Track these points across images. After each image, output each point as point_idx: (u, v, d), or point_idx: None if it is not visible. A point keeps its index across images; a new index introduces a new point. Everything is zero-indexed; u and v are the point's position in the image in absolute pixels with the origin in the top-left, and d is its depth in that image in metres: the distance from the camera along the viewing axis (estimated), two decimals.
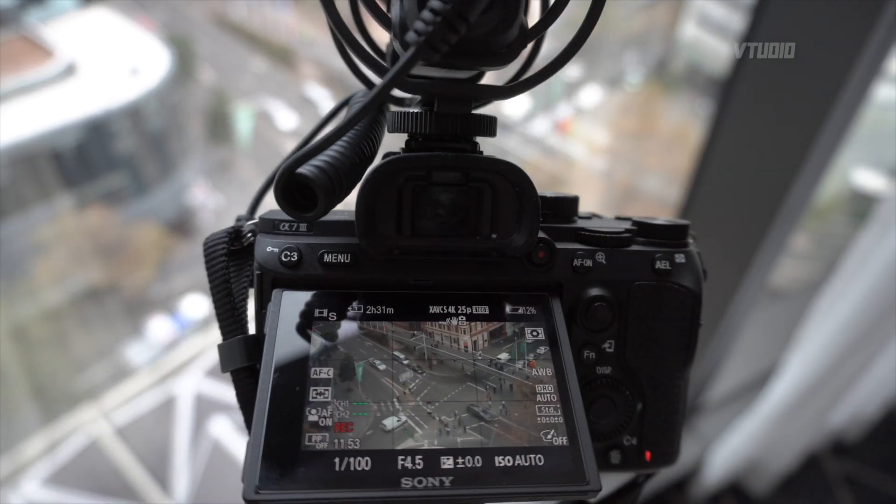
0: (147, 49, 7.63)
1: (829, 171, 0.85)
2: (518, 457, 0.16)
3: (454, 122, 0.20)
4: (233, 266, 0.22)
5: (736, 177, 0.89)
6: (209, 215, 7.13)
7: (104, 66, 6.90)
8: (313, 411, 0.17)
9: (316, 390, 0.17)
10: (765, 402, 1.12)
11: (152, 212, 6.91)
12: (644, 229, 0.22)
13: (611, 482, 0.25)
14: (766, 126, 0.82)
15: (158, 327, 5.93)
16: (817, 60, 0.72)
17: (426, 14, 0.16)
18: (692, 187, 0.96)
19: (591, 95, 9.15)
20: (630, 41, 10.13)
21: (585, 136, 8.89)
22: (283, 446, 0.16)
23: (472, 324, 0.19)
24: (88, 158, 6.28)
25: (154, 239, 6.77)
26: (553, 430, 0.17)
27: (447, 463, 0.16)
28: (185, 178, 7.21)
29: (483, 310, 0.20)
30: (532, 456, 0.16)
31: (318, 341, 0.18)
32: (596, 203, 7.14)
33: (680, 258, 0.21)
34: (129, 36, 8.26)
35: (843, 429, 1.41)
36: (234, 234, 0.22)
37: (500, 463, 0.16)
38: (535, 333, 0.19)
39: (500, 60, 0.19)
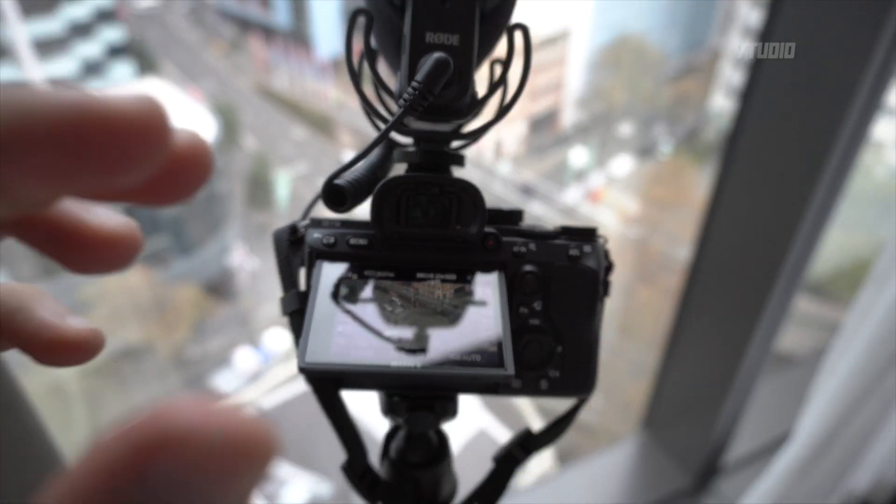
0: (196, 117, 8.04)
1: (824, 233, 0.89)
2: (465, 353, 0.26)
3: (433, 156, 0.31)
4: (291, 250, 0.33)
5: (738, 238, 0.94)
6: (246, 277, 7.29)
7: None
8: (339, 328, 0.27)
9: (341, 318, 0.27)
10: (778, 460, 1.11)
11: (192, 273, 7.10)
12: (567, 231, 0.32)
13: (560, 408, 0.35)
14: (765, 187, 0.88)
15: (244, 358, 6.37)
16: (810, 119, 0.79)
17: (409, 89, 0.26)
18: (698, 249, 1.00)
19: (622, 165, 9.26)
20: (661, 112, 10.30)
21: (617, 204, 8.93)
22: (320, 344, 0.26)
23: (444, 284, 0.29)
24: (135, 220, 6.53)
25: (191, 300, 6.93)
26: (488, 342, 0.27)
27: (420, 354, 0.26)
28: (225, 242, 7.42)
29: (452, 276, 0.30)
30: (474, 356, 0.26)
31: (343, 290, 0.29)
32: (629, 273, 7.09)
33: (587, 249, 0.31)
34: (180, 104, 8.73)
35: (867, 493, 1.36)
36: (293, 229, 0.33)
37: (453, 356, 0.26)
38: (485, 291, 0.29)
39: (461, 117, 0.29)
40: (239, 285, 7.26)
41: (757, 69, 0.84)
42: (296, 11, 13.03)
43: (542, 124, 10.71)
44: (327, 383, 0.31)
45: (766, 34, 0.80)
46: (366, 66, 0.31)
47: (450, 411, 0.31)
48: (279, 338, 6.38)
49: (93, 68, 10.17)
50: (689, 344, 1.13)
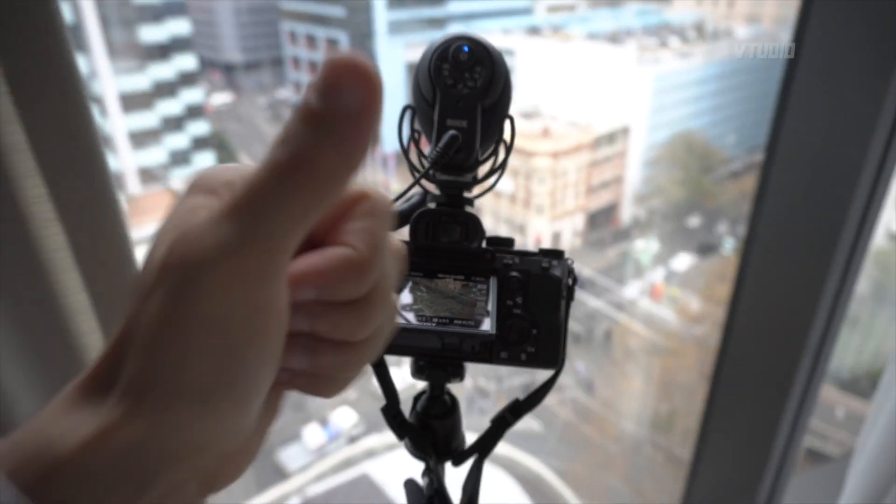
0: None
1: (839, 325, 0.92)
2: (465, 322, 0.39)
3: (452, 197, 0.43)
4: None
5: (759, 332, 0.98)
6: None
7: None
8: None
9: None
10: None
11: None
12: (543, 252, 0.44)
13: (539, 378, 0.45)
14: (779, 289, 0.93)
15: (312, 435, 6.65)
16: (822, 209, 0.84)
17: (433, 154, 0.39)
18: (723, 338, 1.04)
19: (682, 262, 9.10)
20: (722, 209, 10.19)
21: (679, 301, 8.68)
22: None
23: (456, 281, 0.42)
24: None
25: None
26: (482, 316, 0.39)
27: (435, 319, 0.39)
28: None
29: (461, 277, 0.42)
30: (471, 324, 0.39)
31: None
32: (693, 374, 6.79)
33: (555, 263, 0.43)
34: None
35: None
36: None
37: (457, 322, 0.39)
38: (482, 287, 0.42)
39: (469, 171, 0.41)
40: None
41: (767, 173, 0.89)
42: None
43: (601, 218, 10.76)
44: None
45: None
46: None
47: (458, 374, 0.44)
48: (346, 416, 6.58)
49: (179, 158, 11.07)
50: (719, 433, 1.15)
